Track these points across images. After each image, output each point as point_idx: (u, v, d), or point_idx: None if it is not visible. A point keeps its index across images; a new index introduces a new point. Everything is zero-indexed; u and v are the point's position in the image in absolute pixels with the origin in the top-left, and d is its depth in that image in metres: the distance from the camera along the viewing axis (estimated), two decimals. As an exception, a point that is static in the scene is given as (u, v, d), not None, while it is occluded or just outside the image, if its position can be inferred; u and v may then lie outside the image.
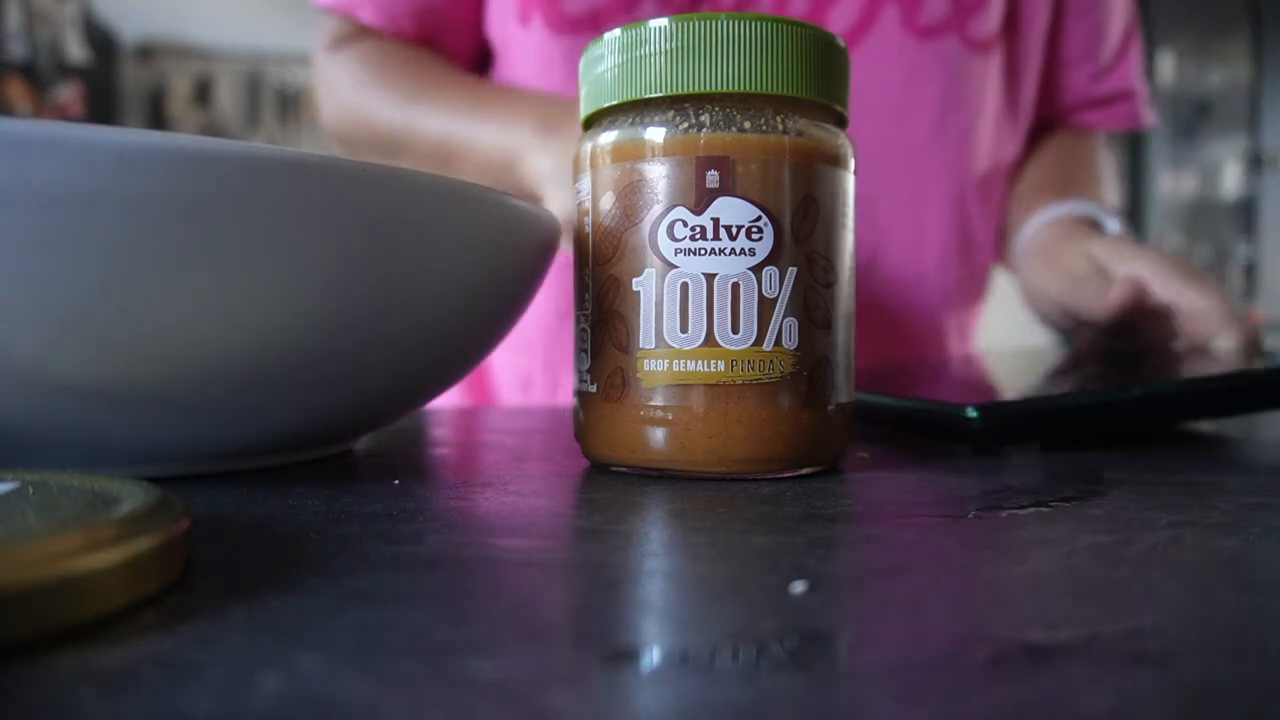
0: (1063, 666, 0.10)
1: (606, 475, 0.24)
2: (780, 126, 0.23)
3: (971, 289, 0.61)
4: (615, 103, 0.23)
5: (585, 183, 0.24)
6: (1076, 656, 0.11)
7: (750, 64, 0.22)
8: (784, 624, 0.12)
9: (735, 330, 0.22)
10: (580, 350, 0.24)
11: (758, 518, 0.18)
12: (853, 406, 0.25)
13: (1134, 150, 2.91)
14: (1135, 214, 2.90)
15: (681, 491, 0.21)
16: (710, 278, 0.22)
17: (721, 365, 0.22)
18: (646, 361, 0.23)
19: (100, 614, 0.12)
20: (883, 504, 0.20)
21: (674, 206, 0.22)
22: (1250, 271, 2.98)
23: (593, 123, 0.25)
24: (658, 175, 0.23)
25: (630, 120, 0.23)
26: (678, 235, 0.22)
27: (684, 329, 0.22)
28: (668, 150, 0.23)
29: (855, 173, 0.24)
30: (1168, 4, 2.85)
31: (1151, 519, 0.18)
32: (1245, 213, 2.99)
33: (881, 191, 0.54)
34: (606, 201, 0.23)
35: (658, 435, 0.23)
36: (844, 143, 0.24)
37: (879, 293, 0.56)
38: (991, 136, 0.59)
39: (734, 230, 0.22)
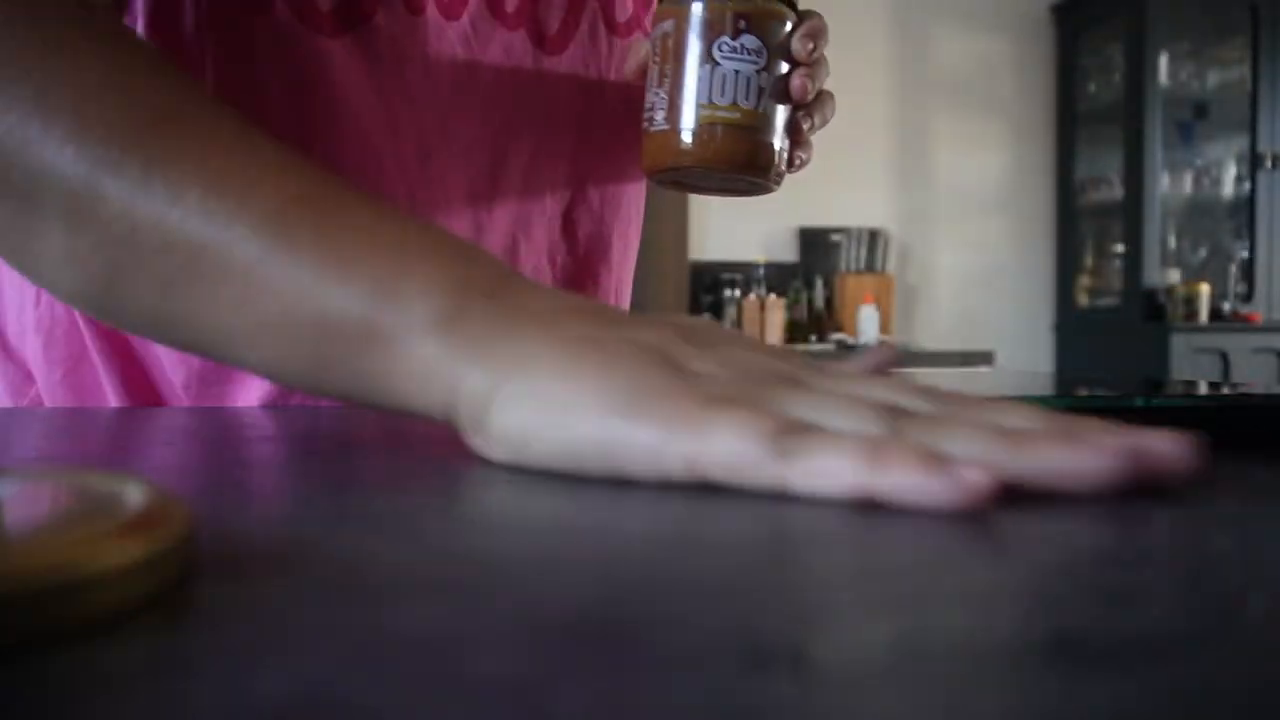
0: (1063, 666, 0.10)
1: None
2: (773, 3, 0.45)
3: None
4: None
5: None
6: (1076, 656, 0.11)
7: None
8: (784, 624, 0.12)
9: (746, 98, 0.44)
10: None
11: (762, 515, 0.18)
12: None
13: (1133, 151, 2.91)
14: (1134, 213, 2.90)
15: (667, 492, 0.21)
16: (738, 72, 0.44)
17: (737, 115, 0.43)
18: (703, 110, 0.44)
19: (101, 614, 0.12)
20: (881, 502, 0.20)
21: (722, 35, 0.43)
22: (1248, 271, 2.98)
23: None
24: (703, 17, 0.44)
25: None
26: (725, 50, 0.43)
27: (722, 94, 0.44)
28: (707, 7, 0.44)
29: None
30: (1167, 4, 2.85)
31: (1152, 519, 0.18)
32: (1244, 213, 2.99)
33: (587, 189, 0.53)
34: None
35: (712, 140, 0.45)
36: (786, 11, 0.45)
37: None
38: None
39: (751, 50, 0.43)
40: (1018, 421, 0.21)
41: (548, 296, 0.27)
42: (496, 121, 0.48)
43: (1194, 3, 2.89)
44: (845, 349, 2.73)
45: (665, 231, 2.74)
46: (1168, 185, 2.95)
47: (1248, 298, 2.96)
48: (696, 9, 0.43)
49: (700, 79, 0.43)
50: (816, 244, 3.03)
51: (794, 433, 0.20)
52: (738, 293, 2.89)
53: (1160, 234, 2.91)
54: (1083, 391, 0.31)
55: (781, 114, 0.44)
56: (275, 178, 0.28)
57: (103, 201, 0.27)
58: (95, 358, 0.45)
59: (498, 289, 0.26)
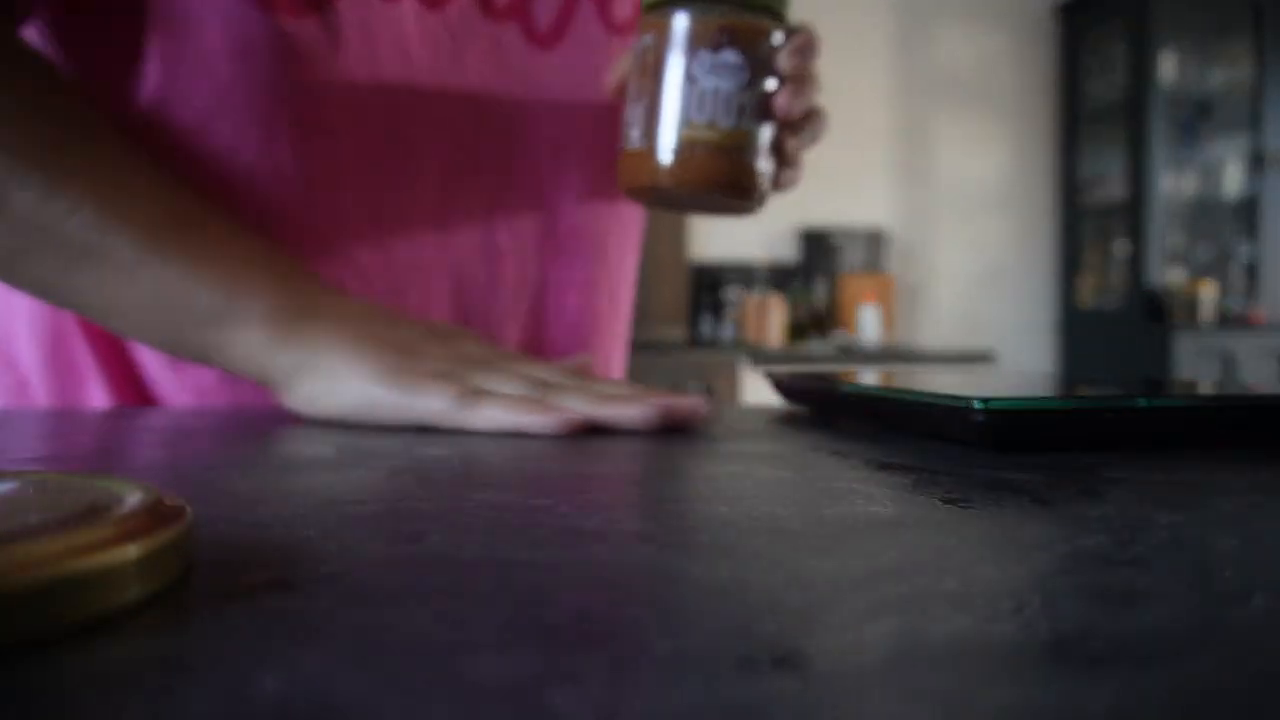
0: (1063, 666, 0.10)
1: (603, 472, 0.24)
2: (754, 17, 0.41)
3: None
4: None
5: None
6: (1076, 656, 0.11)
7: None
8: (783, 624, 0.12)
9: (727, 116, 0.41)
10: None
11: (762, 515, 0.18)
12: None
13: (1135, 150, 2.90)
14: (1137, 213, 2.90)
15: (667, 495, 0.21)
16: (717, 90, 0.41)
17: (715, 135, 0.41)
18: (686, 129, 0.42)
19: (100, 614, 0.12)
20: (882, 502, 0.20)
21: (702, 49, 0.41)
22: (1251, 271, 2.98)
23: None
24: (683, 32, 0.42)
25: None
26: (705, 66, 0.41)
27: (699, 112, 0.41)
28: (681, 26, 0.42)
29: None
30: (1170, 3, 2.85)
31: (1151, 519, 0.18)
32: (1247, 213, 2.99)
33: (572, 186, 0.52)
34: None
35: (689, 162, 0.42)
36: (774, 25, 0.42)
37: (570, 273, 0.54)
38: None
39: (732, 67, 0.41)
40: (610, 390, 0.35)
41: (346, 304, 0.39)
42: (473, 112, 0.48)
43: (1197, 2, 2.89)
44: (846, 349, 2.72)
45: (665, 231, 2.74)
46: (1170, 184, 2.95)
47: (1251, 297, 2.96)
48: (677, 22, 0.41)
49: (678, 96, 0.41)
50: (818, 244, 3.03)
51: (475, 395, 0.34)
52: (738, 292, 2.89)
53: (1163, 233, 2.91)
54: (1084, 391, 0.31)
55: (767, 133, 0.42)
56: (150, 198, 0.38)
57: (10, 206, 0.36)
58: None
59: (310, 297, 0.38)
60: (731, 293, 2.89)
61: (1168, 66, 2.90)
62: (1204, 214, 3.07)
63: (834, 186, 3.00)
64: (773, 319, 2.81)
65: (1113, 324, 3.02)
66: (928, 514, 0.19)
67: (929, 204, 3.14)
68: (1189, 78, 2.97)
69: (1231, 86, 2.97)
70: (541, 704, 0.09)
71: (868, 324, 2.83)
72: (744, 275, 2.92)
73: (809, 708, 0.09)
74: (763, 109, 0.42)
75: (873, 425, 0.34)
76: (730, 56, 0.40)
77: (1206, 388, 0.33)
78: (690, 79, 0.40)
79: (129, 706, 0.09)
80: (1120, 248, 3.03)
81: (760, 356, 2.56)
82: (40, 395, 0.48)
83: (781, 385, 0.42)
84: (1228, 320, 2.90)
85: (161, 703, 0.09)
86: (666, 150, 0.41)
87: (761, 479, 0.23)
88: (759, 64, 0.41)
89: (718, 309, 2.90)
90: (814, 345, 2.80)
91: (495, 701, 0.09)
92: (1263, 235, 2.93)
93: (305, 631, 0.11)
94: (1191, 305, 2.85)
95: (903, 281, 3.10)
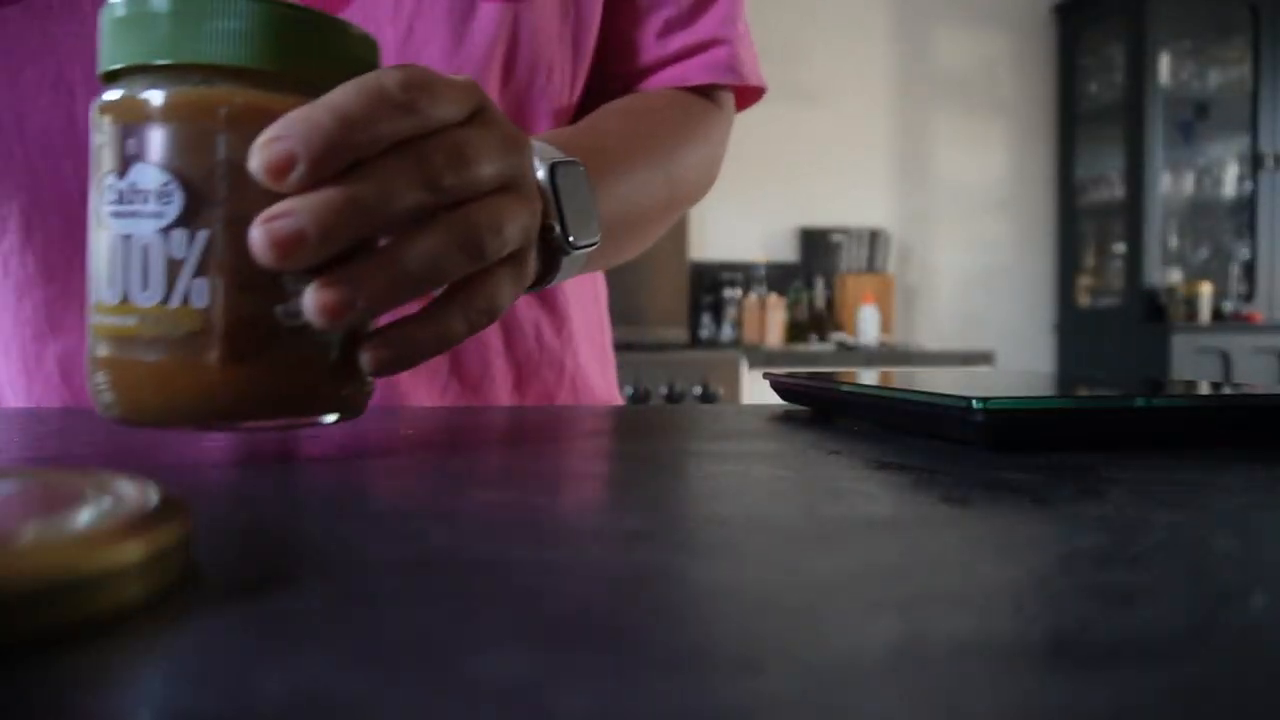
0: (1062, 666, 0.10)
1: (603, 472, 0.24)
2: (199, 93, 0.23)
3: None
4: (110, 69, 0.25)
5: None
6: (1076, 656, 0.11)
7: (148, 35, 0.24)
8: (782, 623, 0.12)
9: (145, 289, 0.24)
10: None
11: (762, 515, 0.18)
12: (342, 364, 0.26)
13: (1134, 150, 2.91)
14: (1135, 213, 2.90)
15: (667, 495, 0.21)
16: (127, 239, 0.24)
17: (133, 321, 0.24)
18: (94, 315, 0.25)
19: (101, 614, 0.12)
20: (881, 502, 0.20)
21: (108, 172, 0.24)
22: (1249, 272, 2.98)
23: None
24: (99, 142, 0.25)
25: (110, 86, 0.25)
26: (108, 199, 0.24)
27: (109, 285, 0.24)
28: (102, 115, 0.24)
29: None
30: (1168, 4, 2.85)
31: (1151, 519, 0.18)
32: (1245, 213, 2.99)
33: None
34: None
35: (104, 387, 0.25)
36: (285, 103, 0.24)
37: None
38: (557, 91, 0.51)
39: (146, 195, 0.23)
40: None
41: None
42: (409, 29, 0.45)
43: (1195, 2, 2.89)
44: (846, 349, 2.73)
45: (665, 232, 2.74)
46: (1169, 185, 2.95)
47: (1249, 298, 2.96)
48: (93, 110, 0.25)
49: (94, 256, 0.24)
50: (817, 244, 3.03)
51: None
52: (738, 293, 2.89)
53: (1161, 234, 2.91)
54: (1083, 391, 0.31)
55: (263, 302, 0.24)
56: None
57: None
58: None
59: None
60: (731, 293, 2.89)
61: (1166, 67, 2.90)
62: (1202, 214, 3.07)
63: (833, 186, 3.00)
64: (772, 319, 2.81)
65: (1111, 324, 3.02)
66: (927, 514, 0.19)
67: (928, 204, 3.14)
68: (1187, 79, 2.98)
69: (1229, 87, 2.97)
70: (541, 704, 0.09)
71: (867, 324, 2.83)
72: (744, 275, 2.92)
73: (808, 708, 0.09)
74: (222, 266, 0.23)
75: (872, 425, 0.34)
76: (148, 174, 0.23)
77: (1205, 387, 0.33)
78: (100, 223, 0.24)
79: (129, 706, 0.09)
80: (1118, 248, 3.03)
81: (760, 357, 2.56)
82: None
83: (780, 385, 0.42)
84: (1225, 320, 2.90)
85: (161, 703, 0.09)
86: (88, 355, 0.25)
87: (761, 478, 0.23)
88: (212, 174, 0.23)
89: (717, 309, 2.89)
90: (813, 345, 2.80)
91: (495, 701, 0.09)
92: (1260, 235, 2.93)
93: (305, 631, 0.11)
94: (1190, 305, 2.85)
95: (902, 282, 3.10)
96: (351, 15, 0.45)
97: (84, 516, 0.13)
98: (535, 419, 0.39)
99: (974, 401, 0.28)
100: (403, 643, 0.11)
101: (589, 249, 0.36)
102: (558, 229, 0.33)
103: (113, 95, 0.24)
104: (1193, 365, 2.77)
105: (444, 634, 0.11)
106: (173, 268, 0.23)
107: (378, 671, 0.10)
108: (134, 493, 0.14)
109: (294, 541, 0.16)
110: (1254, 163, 2.92)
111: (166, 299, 0.23)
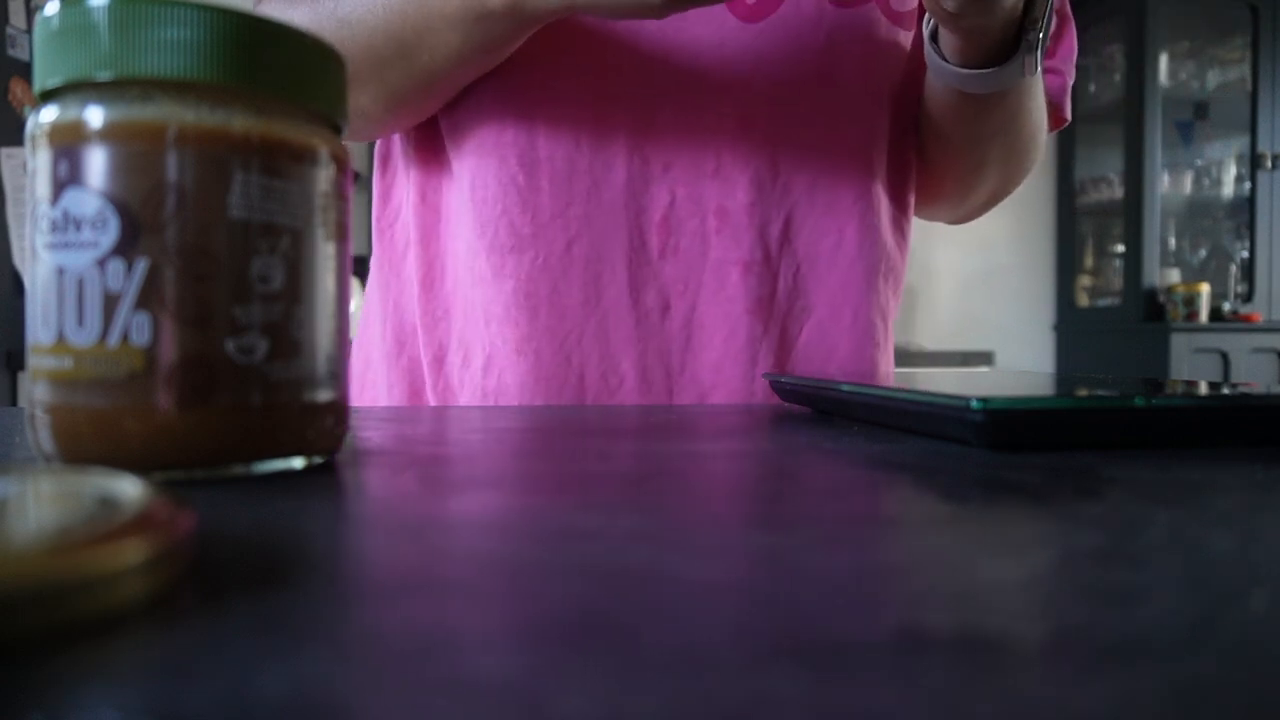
0: (1062, 666, 0.10)
1: (603, 471, 0.24)
2: (139, 113, 0.21)
3: (887, 268, 0.60)
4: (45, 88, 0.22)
5: None
6: (1076, 656, 0.11)
7: (86, 49, 0.21)
8: (781, 623, 0.12)
9: (80, 325, 0.21)
10: None
11: (761, 515, 0.18)
12: (305, 404, 0.23)
13: (1133, 151, 2.91)
14: (1134, 213, 2.90)
15: (667, 495, 0.21)
16: (61, 272, 0.21)
17: (70, 362, 0.21)
18: (32, 357, 0.22)
19: (101, 614, 0.12)
20: (881, 502, 0.20)
21: (40, 200, 0.22)
22: (1248, 272, 2.98)
23: None
24: (31, 167, 0.22)
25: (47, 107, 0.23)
26: (42, 228, 0.22)
27: (44, 324, 0.22)
28: (37, 139, 0.22)
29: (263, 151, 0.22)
30: (1167, 4, 2.85)
31: (1149, 518, 0.18)
32: (1244, 213, 2.99)
33: (796, 163, 0.54)
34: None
35: (44, 434, 0.22)
36: (238, 124, 0.22)
37: (795, 269, 0.55)
38: (905, 111, 0.59)
39: (80, 223, 0.21)
40: None
41: None
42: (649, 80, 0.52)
43: (1194, 3, 2.89)
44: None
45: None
46: (1168, 185, 2.95)
47: (1248, 298, 2.96)
48: (27, 135, 0.23)
49: (28, 293, 0.23)
50: (816, 244, 3.02)
51: None
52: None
53: (1160, 234, 2.91)
54: (1082, 391, 0.31)
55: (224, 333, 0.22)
56: None
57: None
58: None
59: None
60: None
61: (1165, 68, 2.90)
62: (1201, 214, 3.07)
63: (832, 187, 3.00)
64: (771, 319, 2.81)
65: (1110, 324, 3.03)
66: (927, 513, 0.19)
67: (927, 204, 3.14)
68: (1186, 79, 2.98)
69: (1228, 88, 2.97)
70: (541, 704, 0.09)
71: (866, 324, 2.83)
72: (742, 275, 2.92)
73: (808, 707, 0.09)
74: (165, 299, 0.21)
75: (871, 425, 0.34)
76: (82, 200, 0.21)
77: (1204, 387, 0.33)
78: (33, 253, 0.23)
79: (129, 706, 0.09)
80: (1118, 248, 3.03)
81: (759, 357, 2.56)
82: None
83: (780, 385, 0.42)
84: (1224, 320, 2.90)
85: (161, 703, 0.09)
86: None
87: (760, 479, 0.23)
88: (145, 203, 0.21)
89: (716, 309, 2.89)
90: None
91: (495, 701, 0.09)
92: (1259, 236, 2.93)
93: (305, 631, 0.11)
94: (1189, 305, 2.85)
95: (901, 282, 3.10)
96: None
97: (84, 517, 0.13)
98: (532, 420, 0.39)
99: (973, 401, 0.28)
100: (403, 643, 0.11)
101: (1034, 71, 0.49)
102: (1040, 24, 0.46)
103: (47, 116, 0.22)
104: (1192, 365, 2.77)
105: (444, 634, 0.11)
106: (110, 302, 0.21)
107: (378, 671, 0.10)
108: (134, 493, 0.14)
109: (294, 541, 0.16)
110: (1253, 163, 2.92)
111: (104, 336, 0.21)
